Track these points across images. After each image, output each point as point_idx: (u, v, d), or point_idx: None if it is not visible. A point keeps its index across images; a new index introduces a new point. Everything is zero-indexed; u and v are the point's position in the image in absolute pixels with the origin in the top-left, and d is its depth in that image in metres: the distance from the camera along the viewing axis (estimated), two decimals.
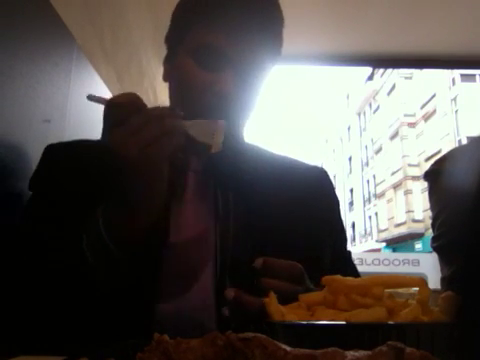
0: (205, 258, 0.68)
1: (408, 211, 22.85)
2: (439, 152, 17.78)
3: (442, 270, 1.21)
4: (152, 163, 0.56)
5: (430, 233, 1.29)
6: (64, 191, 0.70)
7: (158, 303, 0.63)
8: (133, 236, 0.57)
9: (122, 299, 0.59)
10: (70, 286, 0.56)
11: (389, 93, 25.53)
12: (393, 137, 25.11)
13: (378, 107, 27.34)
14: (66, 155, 0.75)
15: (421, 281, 0.42)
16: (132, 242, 0.57)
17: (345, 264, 0.80)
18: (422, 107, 22.77)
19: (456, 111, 20.08)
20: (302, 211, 0.73)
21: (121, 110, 0.57)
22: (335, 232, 0.82)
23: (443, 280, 1.20)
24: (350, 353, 0.28)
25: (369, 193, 29.30)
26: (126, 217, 0.56)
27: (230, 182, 0.74)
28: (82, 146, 0.77)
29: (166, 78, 0.79)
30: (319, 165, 0.90)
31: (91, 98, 0.59)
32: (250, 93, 0.74)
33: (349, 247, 0.86)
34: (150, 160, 0.55)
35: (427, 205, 1.36)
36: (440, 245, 1.20)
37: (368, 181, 29.55)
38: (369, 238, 28.69)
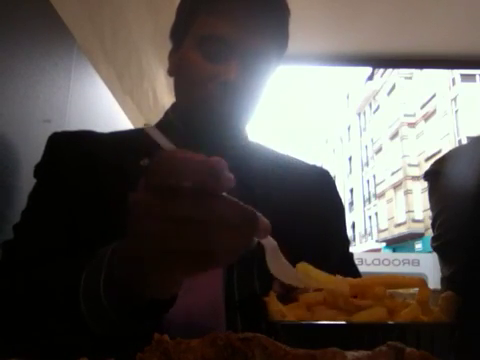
0: None
1: (408, 211, 22.85)
2: (439, 152, 17.79)
3: (442, 270, 1.21)
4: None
5: (430, 233, 1.29)
6: (65, 181, 0.69)
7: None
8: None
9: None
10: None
11: (389, 93, 25.53)
12: (393, 137, 25.11)
13: (378, 107, 27.34)
14: (69, 145, 0.74)
15: (421, 281, 0.42)
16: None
17: (348, 266, 0.80)
18: (422, 107, 22.78)
19: (456, 111, 20.08)
20: (307, 212, 0.73)
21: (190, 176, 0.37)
22: (338, 234, 0.82)
23: (443, 280, 1.20)
24: (350, 353, 0.28)
25: (369, 193, 29.31)
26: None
27: (236, 182, 0.73)
28: (87, 137, 0.77)
29: (171, 72, 0.78)
30: (321, 166, 0.90)
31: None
32: (255, 85, 0.73)
33: (350, 248, 0.86)
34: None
35: (427, 205, 1.36)
36: (440, 245, 1.20)
37: (368, 181, 29.57)
38: (369, 238, 28.70)
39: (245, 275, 0.66)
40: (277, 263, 0.42)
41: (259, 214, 0.40)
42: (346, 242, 0.84)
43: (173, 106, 0.82)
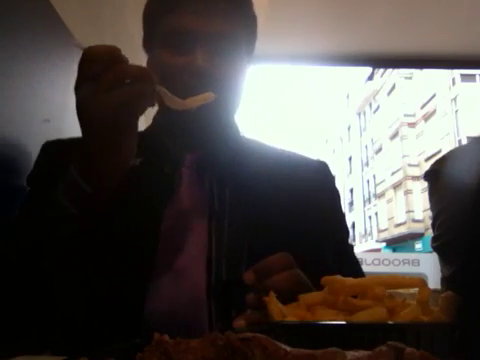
0: (199, 255, 0.67)
1: (408, 211, 22.84)
2: (439, 152, 17.77)
3: (442, 270, 1.21)
4: (123, 122, 0.56)
5: (430, 233, 1.29)
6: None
7: (149, 301, 0.62)
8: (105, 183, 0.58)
9: (111, 297, 0.60)
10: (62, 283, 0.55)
11: (389, 93, 25.51)
12: (393, 137, 25.09)
13: (378, 107, 27.32)
14: (62, 152, 0.74)
15: (421, 281, 0.42)
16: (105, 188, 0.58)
17: (347, 258, 0.79)
18: (422, 107, 22.76)
19: (456, 111, 20.07)
20: (302, 208, 0.73)
21: (97, 63, 0.56)
22: (336, 227, 0.81)
23: (443, 280, 1.20)
24: (350, 353, 0.28)
25: (369, 193, 29.29)
26: (96, 171, 0.57)
27: (227, 177, 0.74)
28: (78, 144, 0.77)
29: None
30: (319, 159, 0.89)
31: (76, 45, 0.56)
32: (228, 70, 0.73)
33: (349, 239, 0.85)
34: (121, 119, 0.56)
35: (427, 205, 1.36)
36: (440, 245, 1.20)
37: (368, 181, 29.54)
38: (369, 238, 28.68)
39: (234, 266, 0.66)
40: (172, 99, 0.59)
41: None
42: (345, 233, 0.84)
43: (158, 112, 0.82)
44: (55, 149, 0.76)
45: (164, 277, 0.64)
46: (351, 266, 0.80)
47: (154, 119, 0.83)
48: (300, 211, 0.72)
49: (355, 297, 0.42)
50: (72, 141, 0.77)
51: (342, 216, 0.85)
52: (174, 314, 0.63)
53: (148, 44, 0.79)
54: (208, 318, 0.64)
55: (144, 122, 2.10)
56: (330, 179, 0.86)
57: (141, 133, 0.83)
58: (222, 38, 0.71)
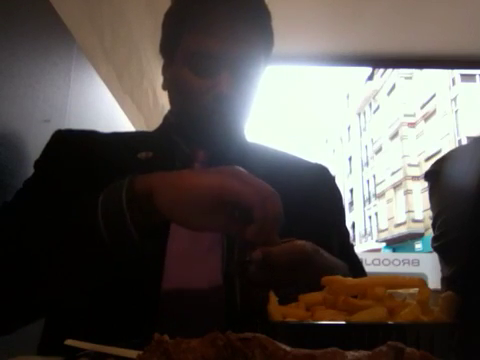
0: (212, 241, 0.69)
1: (408, 211, 22.84)
2: (439, 152, 17.78)
3: (442, 270, 1.21)
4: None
5: (430, 233, 1.30)
6: (60, 178, 0.71)
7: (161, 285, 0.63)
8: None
9: (124, 286, 0.60)
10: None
11: (389, 93, 25.51)
12: (393, 137, 25.10)
13: (378, 107, 27.33)
14: (69, 143, 0.76)
15: (421, 281, 0.42)
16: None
17: (348, 258, 0.80)
18: (422, 107, 22.76)
19: (456, 111, 20.07)
20: (306, 210, 0.74)
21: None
22: (338, 229, 0.83)
23: (443, 280, 1.20)
24: (350, 353, 0.27)
25: (369, 193, 29.29)
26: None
27: None
28: (87, 137, 0.78)
29: (165, 87, 0.81)
30: (320, 162, 0.90)
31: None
32: (248, 91, 0.75)
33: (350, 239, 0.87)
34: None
35: (427, 205, 1.36)
36: (441, 245, 1.20)
37: (368, 181, 29.54)
38: (369, 238, 28.68)
39: (246, 248, 0.67)
40: None
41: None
42: (346, 235, 0.85)
43: (171, 112, 0.84)
44: (64, 139, 0.77)
45: (176, 264, 0.65)
46: (354, 265, 0.81)
47: (165, 118, 0.85)
48: (305, 214, 0.73)
49: (355, 297, 0.42)
50: (82, 132, 0.79)
51: (344, 220, 0.86)
52: (185, 296, 0.64)
53: (166, 53, 0.80)
54: (226, 302, 0.64)
55: (144, 124, 2.09)
56: (331, 182, 0.87)
57: (150, 133, 0.86)
58: (245, 62, 0.73)
